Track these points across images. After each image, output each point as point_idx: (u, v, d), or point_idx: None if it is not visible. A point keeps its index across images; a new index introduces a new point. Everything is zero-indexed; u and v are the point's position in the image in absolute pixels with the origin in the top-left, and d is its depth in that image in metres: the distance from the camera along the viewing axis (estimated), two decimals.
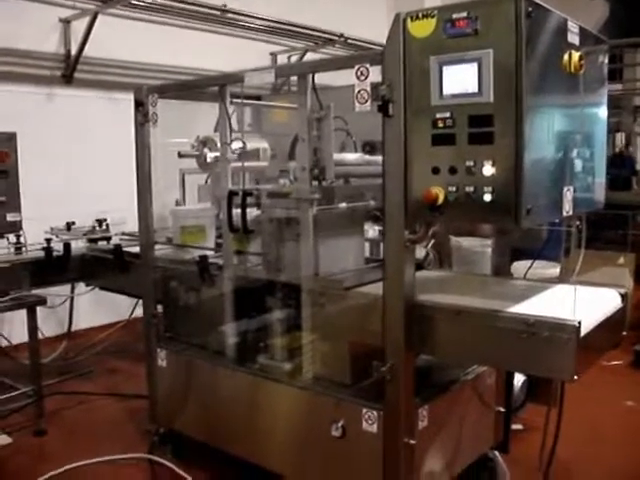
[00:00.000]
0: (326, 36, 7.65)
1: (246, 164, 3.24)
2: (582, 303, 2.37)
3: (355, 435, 2.73)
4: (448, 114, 2.25)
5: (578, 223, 2.79)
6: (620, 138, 12.95)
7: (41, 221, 4.68)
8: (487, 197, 2.21)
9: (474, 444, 3.17)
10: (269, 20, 7.01)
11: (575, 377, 2.23)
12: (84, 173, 5.92)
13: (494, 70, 2.13)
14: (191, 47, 6.58)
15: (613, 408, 4.35)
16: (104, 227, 4.85)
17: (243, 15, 6.77)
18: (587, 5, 12.14)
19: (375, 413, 2.66)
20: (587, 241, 2.75)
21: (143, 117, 3.48)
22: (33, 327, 3.96)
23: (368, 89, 2.47)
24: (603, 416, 4.19)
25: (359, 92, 2.50)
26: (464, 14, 2.18)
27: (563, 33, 2.37)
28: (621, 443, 3.84)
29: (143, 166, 3.57)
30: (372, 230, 3.52)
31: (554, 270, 3.68)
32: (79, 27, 5.78)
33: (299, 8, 7.35)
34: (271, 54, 7.72)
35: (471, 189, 2.24)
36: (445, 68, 2.24)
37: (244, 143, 3.19)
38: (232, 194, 3.06)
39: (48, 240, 4.43)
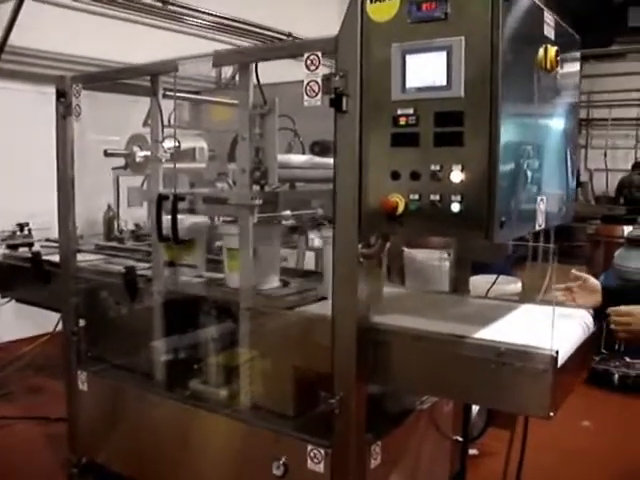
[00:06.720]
0: (274, 35, 7.36)
1: (180, 165, 2.90)
2: (553, 326, 2.11)
3: (299, 475, 2.41)
4: (411, 110, 1.97)
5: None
6: None
7: None
8: (455, 207, 1.93)
9: (429, 477, 2.89)
10: (214, 15, 6.68)
11: (551, 414, 1.96)
12: (7, 172, 5.42)
13: (466, 60, 1.86)
14: (130, 41, 6.13)
15: (570, 429, 4.14)
16: (26, 232, 4.41)
17: (186, 9, 6.41)
18: None
19: (322, 451, 2.34)
20: (534, 254, 2.57)
21: (65, 109, 3.10)
22: None
23: (319, 80, 2.16)
24: (561, 438, 3.97)
25: (309, 84, 2.18)
26: None
27: (539, 24, 2.11)
28: (581, 464, 3.71)
29: (65, 164, 3.20)
30: (318, 240, 3.22)
31: (515, 286, 3.44)
32: (3, 12, 5.30)
33: (247, 5, 7.02)
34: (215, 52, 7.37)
35: (436, 197, 1.96)
36: (409, 57, 1.95)
37: (178, 142, 2.86)
38: (162, 198, 2.71)
39: None
